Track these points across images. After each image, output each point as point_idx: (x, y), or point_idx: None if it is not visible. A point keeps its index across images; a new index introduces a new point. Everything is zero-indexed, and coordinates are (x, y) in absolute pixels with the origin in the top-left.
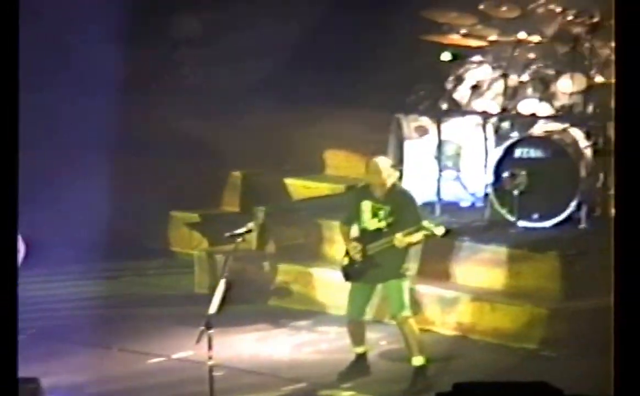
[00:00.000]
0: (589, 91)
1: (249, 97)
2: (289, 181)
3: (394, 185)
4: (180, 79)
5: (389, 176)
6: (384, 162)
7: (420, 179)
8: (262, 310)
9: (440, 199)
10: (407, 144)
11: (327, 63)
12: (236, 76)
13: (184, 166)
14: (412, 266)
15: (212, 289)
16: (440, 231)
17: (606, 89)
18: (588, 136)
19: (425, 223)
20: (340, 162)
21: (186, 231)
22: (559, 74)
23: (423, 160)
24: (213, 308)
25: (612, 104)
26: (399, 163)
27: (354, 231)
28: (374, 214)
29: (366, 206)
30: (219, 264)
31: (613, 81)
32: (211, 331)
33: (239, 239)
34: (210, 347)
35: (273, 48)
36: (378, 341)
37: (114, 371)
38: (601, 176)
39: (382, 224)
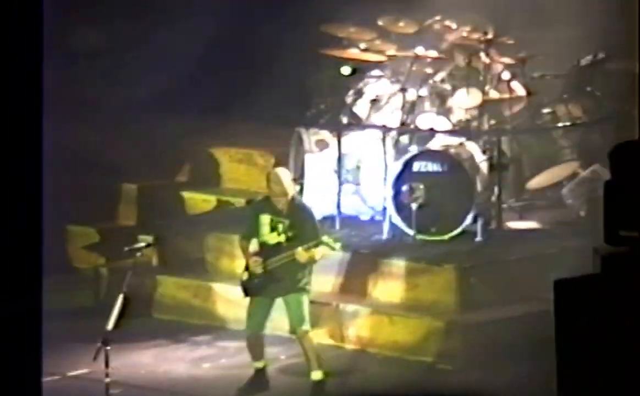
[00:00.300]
0: (484, 106)
1: (146, 109)
2: (188, 195)
3: (293, 199)
4: (75, 92)
5: (290, 187)
6: (284, 173)
7: (320, 193)
8: (160, 325)
9: (340, 213)
10: (307, 158)
11: (228, 77)
12: (134, 89)
13: (80, 180)
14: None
15: (110, 304)
16: (338, 246)
17: (500, 104)
18: (483, 151)
19: (325, 238)
20: (241, 176)
21: (84, 245)
22: (455, 89)
23: (323, 174)
24: (110, 324)
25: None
26: (299, 177)
27: (254, 245)
28: (273, 228)
29: (265, 219)
30: (117, 279)
31: (507, 96)
32: (108, 347)
33: (138, 254)
34: (107, 364)
35: (172, 61)
36: (277, 355)
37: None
38: (496, 189)
39: (282, 238)
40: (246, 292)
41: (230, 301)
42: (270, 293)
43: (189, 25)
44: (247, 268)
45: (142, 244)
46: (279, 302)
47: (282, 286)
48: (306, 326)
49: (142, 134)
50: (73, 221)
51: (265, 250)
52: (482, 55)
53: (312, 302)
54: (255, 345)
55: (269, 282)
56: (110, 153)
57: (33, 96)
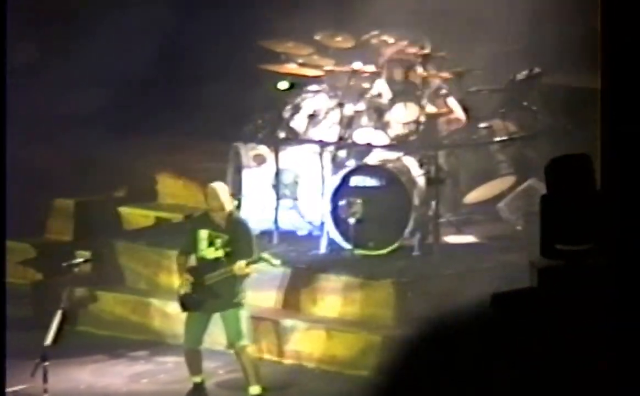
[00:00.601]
0: (421, 120)
1: (84, 125)
2: (126, 210)
3: (231, 214)
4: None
5: (227, 202)
6: (222, 188)
7: (258, 208)
8: (99, 341)
9: (278, 228)
10: (245, 173)
11: (165, 92)
12: (70, 104)
13: (15, 194)
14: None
15: (48, 320)
16: (277, 262)
17: (437, 118)
18: (420, 165)
19: (264, 255)
20: (179, 191)
21: (20, 261)
22: (392, 103)
23: (261, 188)
24: (49, 339)
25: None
26: (237, 192)
27: (192, 260)
28: (211, 243)
29: (203, 234)
30: (55, 295)
31: (444, 110)
32: (46, 363)
33: (76, 269)
34: (45, 380)
35: (109, 77)
36: (216, 370)
37: None
38: (433, 204)
39: (220, 253)
40: (184, 307)
41: (168, 316)
42: (208, 308)
43: (127, 41)
44: (183, 283)
45: (80, 259)
46: (217, 316)
47: (220, 301)
48: (244, 341)
49: (80, 150)
50: (8, 236)
51: (203, 265)
52: (419, 69)
53: (250, 317)
54: (193, 359)
55: (206, 297)
56: (45, 168)
57: None
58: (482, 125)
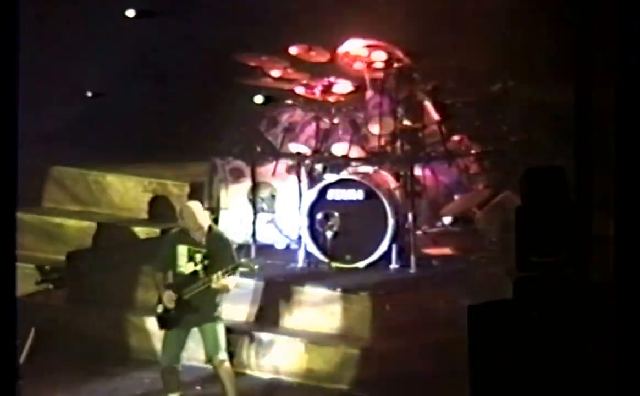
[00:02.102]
0: (397, 133)
1: (57, 139)
2: (101, 224)
3: (210, 228)
4: None
5: (203, 219)
6: (196, 206)
7: (236, 222)
8: (74, 358)
9: (255, 241)
10: (222, 187)
11: (139, 106)
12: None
13: None
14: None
15: (22, 338)
16: (257, 266)
17: (413, 131)
18: (397, 177)
19: (242, 260)
20: (156, 206)
21: None
22: (368, 116)
23: (239, 203)
24: (22, 357)
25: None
26: (215, 206)
27: (169, 276)
28: (190, 258)
29: (182, 249)
30: (29, 312)
31: (420, 124)
32: (21, 381)
33: (50, 286)
34: None
35: (83, 91)
36: (193, 385)
37: None
38: (410, 216)
39: (199, 267)
40: (161, 324)
41: (145, 332)
42: (186, 324)
43: (101, 54)
44: (160, 300)
45: (54, 275)
46: (195, 332)
47: (197, 316)
48: (223, 355)
49: (53, 165)
50: None
51: (181, 281)
52: (395, 82)
53: (228, 331)
54: (170, 377)
55: (185, 312)
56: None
57: None
58: (456, 137)
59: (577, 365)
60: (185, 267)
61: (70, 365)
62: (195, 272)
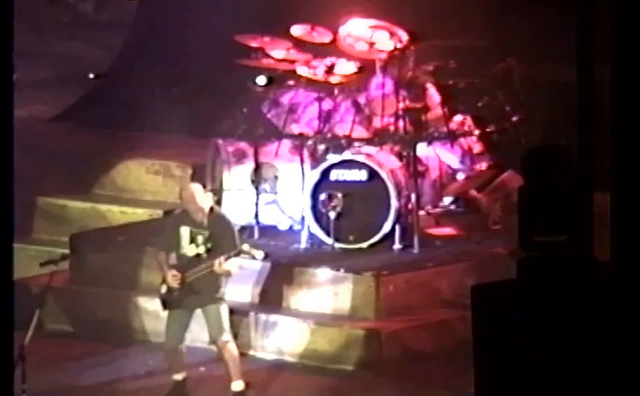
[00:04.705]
0: (400, 113)
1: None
2: (105, 207)
3: (212, 209)
4: None
5: (204, 201)
6: (197, 189)
7: (238, 203)
8: (78, 339)
9: (258, 223)
10: (225, 168)
11: (142, 87)
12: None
13: None
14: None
15: (27, 319)
16: (260, 255)
17: (416, 111)
18: (400, 158)
19: (245, 247)
20: (158, 188)
21: None
22: (371, 96)
23: (241, 184)
24: (27, 338)
25: None
26: (217, 187)
27: (172, 257)
28: (192, 240)
29: (184, 231)
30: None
31: (422, 103)
32: (25, 362)
33: (54, 267)
34: (24, 379)
35: (84, 71)
36: (198, 366)
37: None
38: (413, 196)
39: (201, 249)
40: (165, 305)
41: (149, 313)
42: (190, 305)
43: (101, 36)
44: (164, 281)
45: (58, 256)
46: (198, 313)
47: (201, 297)
48: (226, 337)
49: (54, 146)
50: None
51: (185, 262)
52: (397, 63)
53: (231, 312)
54: (174, 357)
55: (188, 294)
56: (20, 167)
57: None
58: (459, 118)
59: (580, 344)
60: (188, 249)
61: (74, 346)
62: (198, 255)
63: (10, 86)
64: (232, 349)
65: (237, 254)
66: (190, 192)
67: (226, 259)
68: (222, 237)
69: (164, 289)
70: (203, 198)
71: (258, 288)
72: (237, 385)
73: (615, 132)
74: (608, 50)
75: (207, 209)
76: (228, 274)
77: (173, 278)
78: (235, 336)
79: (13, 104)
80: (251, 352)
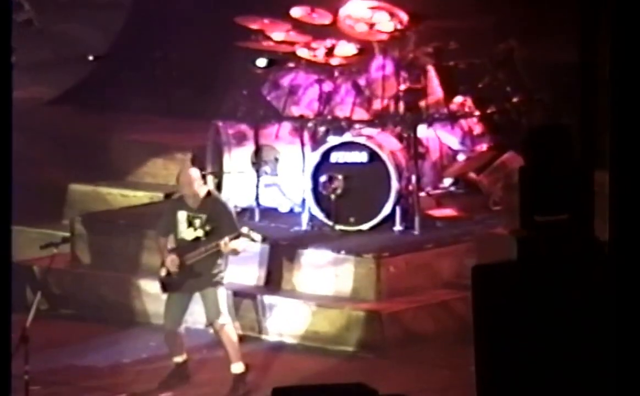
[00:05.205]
0: (400, 95)
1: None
2: (106, 190)
3: (209, 193)
4: None
5: (199, 187)
6: (193, 173)
7: (239, 185)
8: (80, 321)
9: (259, 205)
10: (225, 151)
11: (142, 70)
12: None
13: None
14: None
15: (29, 301)
16: (258, 237)
17: (416, 93)
18: (400, 139)
19: (244, 230)
20: (159, 170)
21: None
22: (371, 78)
23: (242, 166)
24: (29, 320)
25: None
26: (218, 170)
27: (171, 241)
28: (190, 224)
29: (182, 216)
30: (35, 276)
31: (422, 84)
32: (27, 343)
33: (55, 250)
34: (26, 360)
35: (83, 54)
36: (200, 348)
37: None
38: (413, 178)
39: (200, 233)
40: (164, 288)
41: (151, 296)
42: (189, 288)
43: (101, 16)
44: (164, 264)
45: (59, 239)
46: (197, 296)
47: (200, 280)
48: (223, 319)
49: (56, 130)
50: None
51: (183, 246)
52: (398, 44)
53: (235, 294)
54: (174, 340)
55: (187, 277)
56: (20, 150)
57: None
58: (460, 99)
59: (581, 324)
60: (186, 233)
61: (76, 328)
62: (197, 238)
63: (9, 68)
64: (229, 332)
65: (237, 237)
66: (186, 177)
67: (231, 240)
68: (220, 220)
69: (163, 272)
70: (199, 183)
71: (259, 270)
72: (237, 368)
73: (615, 113)
74: (609, 31)
75: (202, 195)
76: (235, 252)
77: (172, 263)
78: (235, 318)
79: (12, 86)
80: (252, 334)
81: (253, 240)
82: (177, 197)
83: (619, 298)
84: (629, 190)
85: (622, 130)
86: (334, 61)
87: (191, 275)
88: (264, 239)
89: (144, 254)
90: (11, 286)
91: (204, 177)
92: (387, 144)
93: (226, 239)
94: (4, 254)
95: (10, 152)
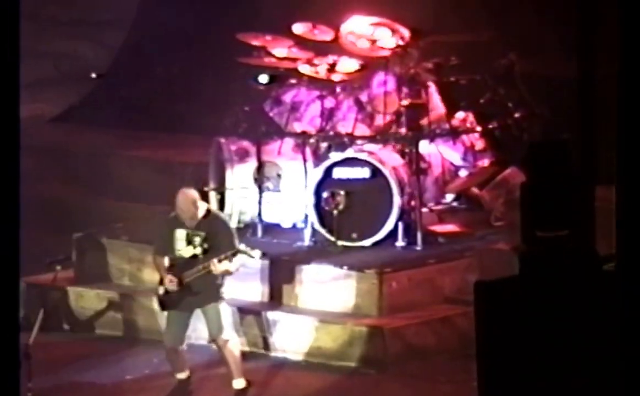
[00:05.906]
0: (402, 111)
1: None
2: (108, 207)
3: (208, 211)
4: None
5: (198, 209)
6: (190, 195)
7: (241, 201)
8: (82, 338)
9: (261, 221)
10: (228, 167)
11: (144, 86)
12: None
13: None
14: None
15: (32, 319)
16: (257, 254)
17: (418, 109)
18: (402, 155)
19: (242, 247)
20: (161, 187)
21: None
22: (373, 94)
23: (244, 182)
24: (32, 337)
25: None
26: (220, 186)
27: (167, 261)
28: (189, 242)
29: (180, 233)
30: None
31: (424, 100)
32: (30, 361)
33: (58, 267)
34: (29, 378)
35: (86, 72)
36: (201, 364)
37: None
38: (415, 193)
39: (198, 250)
40: (163, 306)
41: (152, 312)
42: (188, 306)
43: (103, 35)
44: (162, 282)
45: (61, 256)
46: (199, 312)
47: (200, 297)
48: (226, 335)
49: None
50: None
51: (182, 264)
52: (399, 60)
53: (235, 310)
54: (175, 358)
55: (186, 295)
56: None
57: None
58: (461, 114)
59: (583, 339)
60: (185, 250)
61: (79, 345)
62: (195, 256)
63: (16, 87)
64: (232, 348)
65: (234, 255)
66: (183, 199)
67: (220, 261)
68: (219, 237)
69: (161, 291)
70: (196, 206)
71: (261, 286)
72: (239, 383)
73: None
74: (615, 45)
75: (200, 215)
76: (227, 273)
77: (170, 283)
78: (238, 334)
79: (19, 105)
80: (255, 350)
81: (251, 257)
82: (174, 215)
83: (622, 313)
84: (634, 205)
85: (628, 145)
86: (335, 77)
87: (190, 293)
88: (263, 255)
89: (146, 270)
90: (19, 304)
91: (204, 195)
92: (389, 160)
93: (215, 260)
94: (13, 273)
95: (19, 171)
